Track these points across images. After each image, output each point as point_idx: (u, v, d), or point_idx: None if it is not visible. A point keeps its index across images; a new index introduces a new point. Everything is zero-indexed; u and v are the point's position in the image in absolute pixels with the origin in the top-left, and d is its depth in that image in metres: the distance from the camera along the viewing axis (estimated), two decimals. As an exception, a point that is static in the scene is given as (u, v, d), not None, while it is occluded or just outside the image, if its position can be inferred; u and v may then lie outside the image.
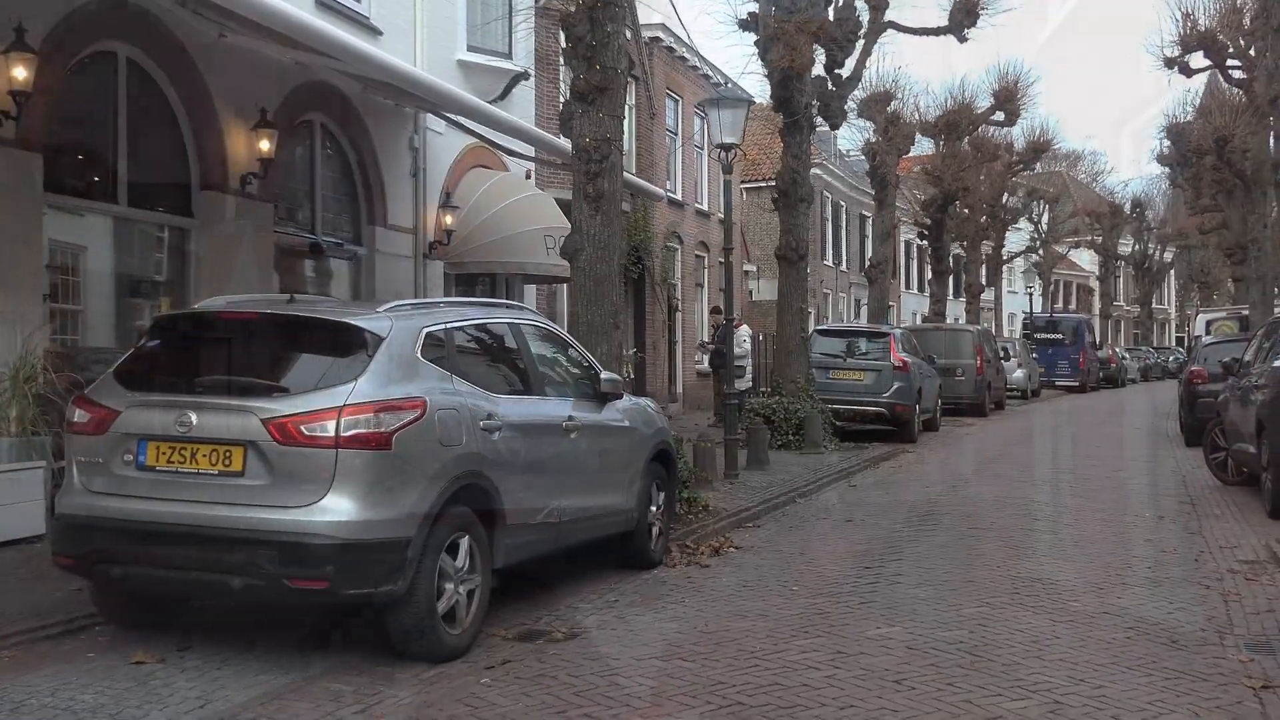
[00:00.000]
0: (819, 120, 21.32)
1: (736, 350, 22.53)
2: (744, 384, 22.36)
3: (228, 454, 6.57)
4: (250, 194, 13.64)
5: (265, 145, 13.53)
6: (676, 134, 29.71)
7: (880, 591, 8.55)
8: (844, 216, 48.46)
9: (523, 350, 8.32)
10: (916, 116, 33.64)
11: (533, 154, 19.50)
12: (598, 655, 6.95)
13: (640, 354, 26.70)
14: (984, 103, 35.68)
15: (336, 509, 6.45)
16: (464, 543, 7.10)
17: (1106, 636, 7.26)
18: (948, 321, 35.92)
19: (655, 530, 9.91)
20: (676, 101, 29.60)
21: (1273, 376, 12.08)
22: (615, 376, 9.26)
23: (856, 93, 26.13)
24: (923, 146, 38.02)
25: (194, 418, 6.60)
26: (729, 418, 14.91)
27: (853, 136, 37.83)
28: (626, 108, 26.26)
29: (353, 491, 6.48)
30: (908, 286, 56.44)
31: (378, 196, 16.57)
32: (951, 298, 55.27)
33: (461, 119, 17.73)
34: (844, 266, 47.79)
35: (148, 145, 12.54)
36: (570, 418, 8.45)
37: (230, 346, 7.19)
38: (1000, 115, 35.98)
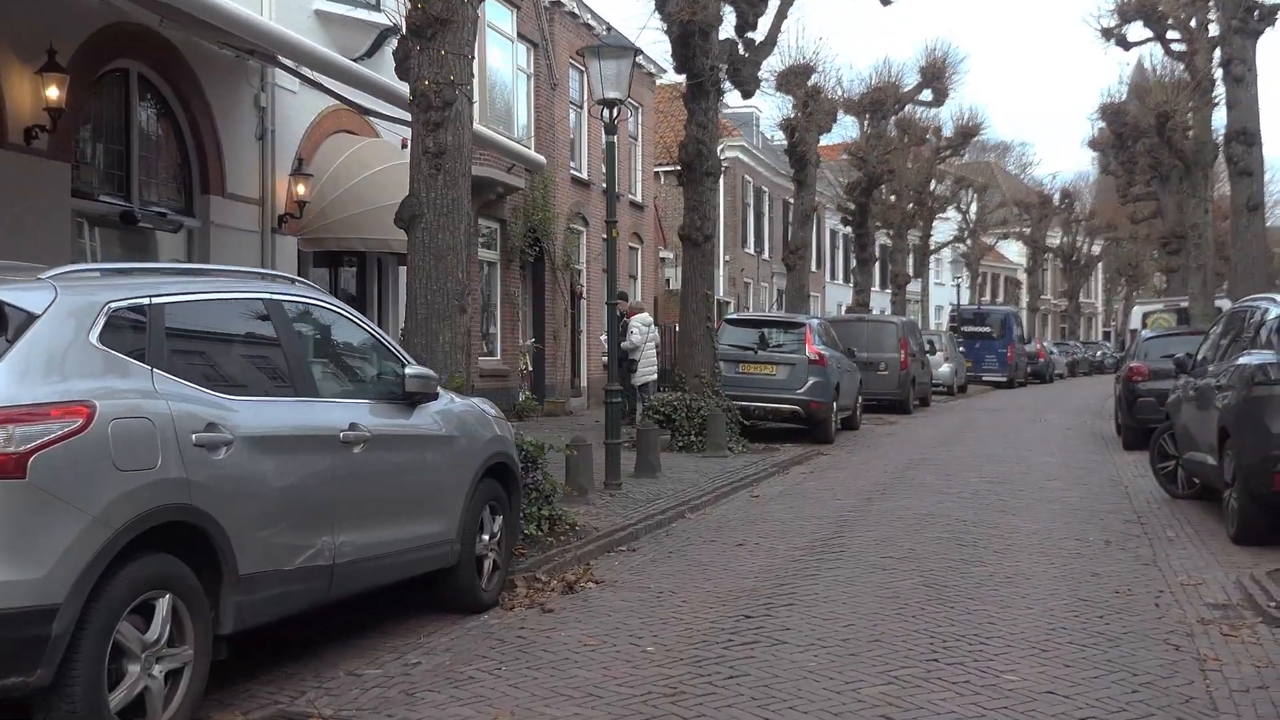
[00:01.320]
0: (727, 86, 19.29)
1: (627, 342, 20.66)
2: (644, 377, 20.43)
3: None
4: (38, 150, 11.40)
5: (54, 93, 11.32)
6: (582, 108, 27.65)
7: (758, 657, 6.53)
8: (767, 202, 46.63)
9: (283, 336, 6.18)
10: (840, 93, 31.78)
11: (409, 120, 17.33)
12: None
13: (538, 345, 24.63)
14: (911, 80, 33.97)
15: (-68, 567, 4.36)
16: (162, 604, 5.03)
17: (1055, 733, 5.32)
18: (872, 312, 34.16)
19: (488, 564, 7.89)
20: (582, 73, 27.49)
21: (1240, 376, 10.25)
22: (426, 372, 7.16)
23: (774, 63, 24.22)
24: (847, 129, 36.30)
25: None
26: (609, 417, 12.85)
27: (775, 115, 35.97)
28: (525, 76, 24.37)
29: (-39, 541, 4.39)
30: (833, 276, 54.80)
31: (213, 161, 14.35)
32: (877, 288, 53.84)
33: (318, 76, 15.57)
34: (766, 255, 45.94)
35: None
36: (354, 426, 6.36)
37: None
38: (928, 95, 34.31)
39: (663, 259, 39.02)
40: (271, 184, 15.39)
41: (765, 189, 46.25)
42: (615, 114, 12.75)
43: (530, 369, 24.80)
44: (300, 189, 15.50)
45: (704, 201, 18.33)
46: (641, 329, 20.63)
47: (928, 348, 32.53)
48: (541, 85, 24.99)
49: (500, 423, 8.22)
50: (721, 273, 42.25)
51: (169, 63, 13.51)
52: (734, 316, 21.68)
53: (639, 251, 31.42)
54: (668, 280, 39.55)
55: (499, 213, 22.83)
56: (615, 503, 11.91)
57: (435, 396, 7.24)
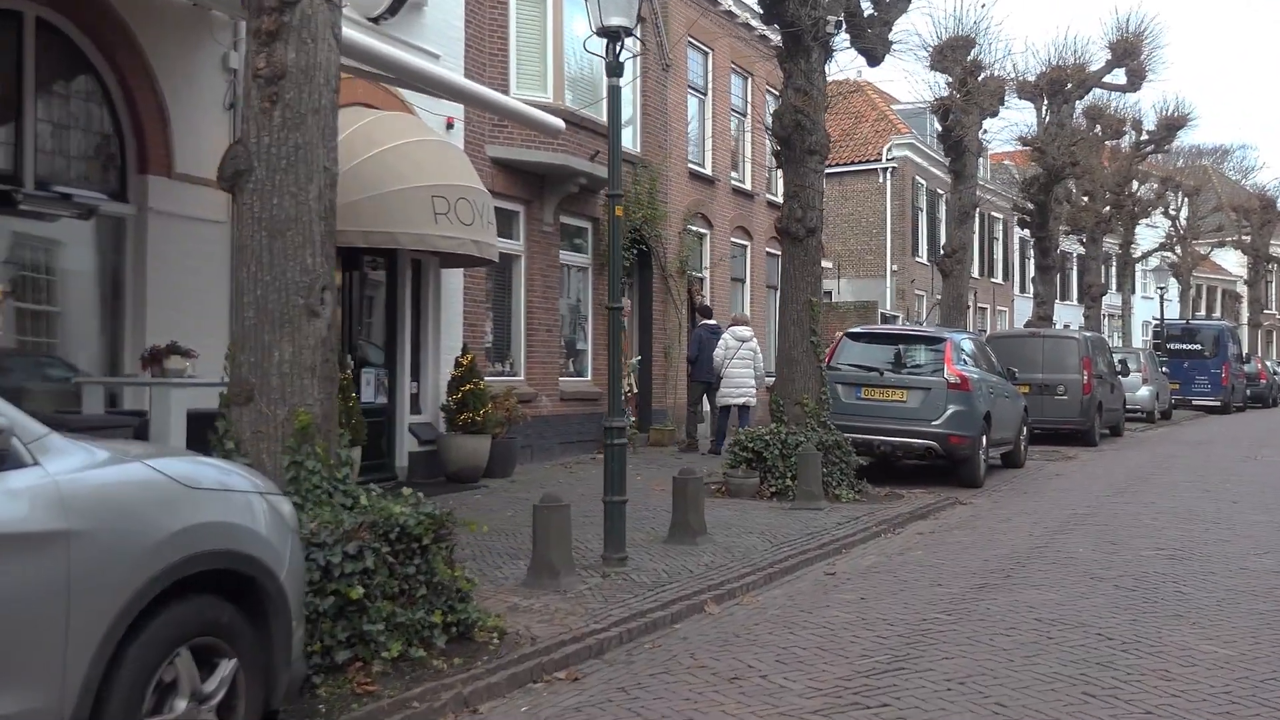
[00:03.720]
0: (842, 43, 15.50)
1: (713, 357, 17.68)
2: (727, 399, 17.15)
3: None
4: None
5: None
6: (706, 94, 24.14)
7: None
8: (942, 207, 42.19)
9: None
10: (1012, 69, 27.41)
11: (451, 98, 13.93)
12: None
13: (644, 362, 21.19)
14: (1099, 59, 29.33)
15: None
16: None
17: None
18: (1054, 327, 29.66)
19: (184, 759, 4.45)
20: (706, 55, 24.03)
21: None
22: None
23: (920, 27, 20.23)
24: (1025, 114, 31.79)
25: None
26: (609, 464, 9.21)
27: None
28: (630, 57, 20.99)
29: None
30: (1022, 289, 49.78)
31: (154, 133, 11.35)
32: (1074, 301, 48.73)
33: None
34: (942, 265, 41.49)
35: None
36: None
37: None
38: (1121, 77, 29.62)
39: (825, 268, 35.10)
40: (245, 165, 12.34)
41: (941, 192, 41.83)
42: (619, 48, 9.24)
43: (635, 391, 21.39)
44: (280, 170, 12.38)
45: (806, 186, 14.62)
46: (732, 343, 17.16)
47: (1120, 368, 27.96)
48: (650, 65, 21.57)
49: (233, 500, 4.78)
50: (889, 284, 38.23)
51: (84, 6, 10.60)
52: (857, 330, 17.81)
53: (748, 250, 26.87)
54: (829, 293, 35.56)
55: (589, 210, 19.48)
56: (599, 589, 8.34)
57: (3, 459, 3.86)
